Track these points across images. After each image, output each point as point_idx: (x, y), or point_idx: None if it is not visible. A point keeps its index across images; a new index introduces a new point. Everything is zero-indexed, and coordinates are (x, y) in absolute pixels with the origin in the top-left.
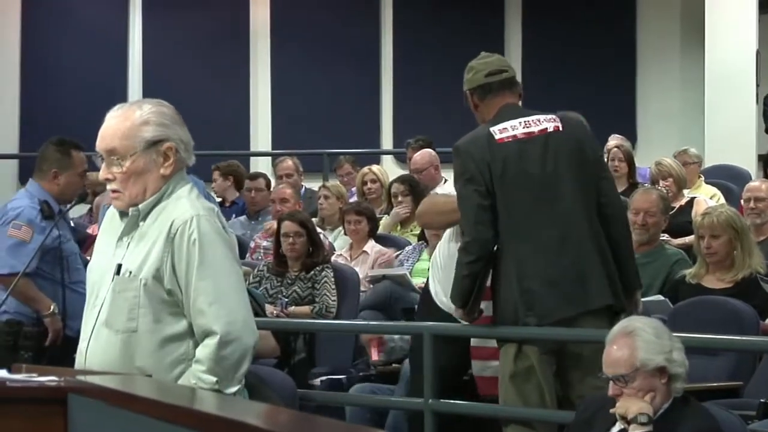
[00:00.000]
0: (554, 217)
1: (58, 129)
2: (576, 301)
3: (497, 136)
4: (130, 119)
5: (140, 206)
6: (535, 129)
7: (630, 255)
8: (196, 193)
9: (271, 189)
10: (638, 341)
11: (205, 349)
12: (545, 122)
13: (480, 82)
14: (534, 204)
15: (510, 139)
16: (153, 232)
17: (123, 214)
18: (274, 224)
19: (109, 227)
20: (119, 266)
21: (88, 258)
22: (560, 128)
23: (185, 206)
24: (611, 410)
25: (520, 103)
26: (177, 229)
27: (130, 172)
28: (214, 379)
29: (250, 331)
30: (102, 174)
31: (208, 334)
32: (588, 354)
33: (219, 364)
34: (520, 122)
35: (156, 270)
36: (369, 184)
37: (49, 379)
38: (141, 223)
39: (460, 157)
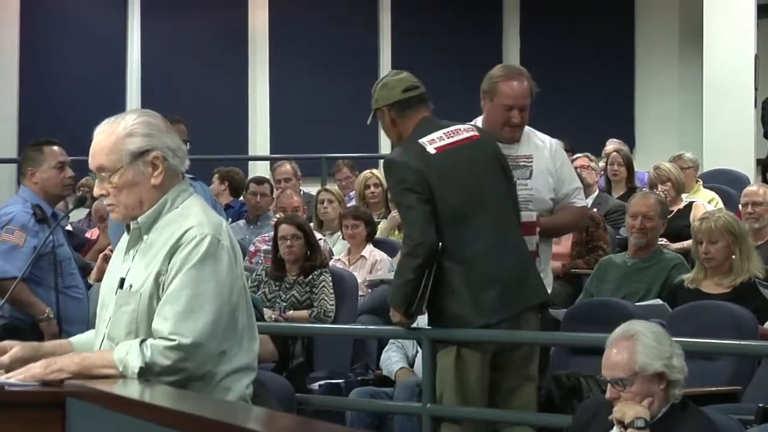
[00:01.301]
0: (491, 221)
1: (56, 133)
2: (518, 300)
3: (428, 148)
4: (114, 133)
5: (140, 219)
6: (458, 138)
7: None
8: (204, 206)
9: (274, 194)
10: (638, 345)
11: (155, 344)
12: (465, 132)
13: (398, 98)
14: (471, 209)
15: (440, 150)
16: (157, 246)
17: (129, 228)
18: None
19: (121, 243)
20: (122, 280)
21: (88, 262)
22: (479, 137)
23: (192, 223)
24: (609, 417)
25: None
26: (179, 246)
27: (121, 186)
28: (139, 368)
29: (200, 360)
30: (96, 191)
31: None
32: (524, 352)
33: (154, 361)
34: (444, 133)
35: (154, 284)
36: (372, 188)
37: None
38: (145, 237)
39: (396, 169)
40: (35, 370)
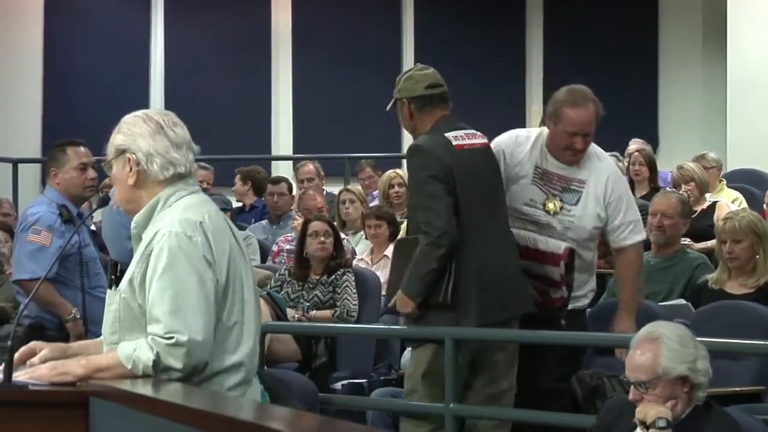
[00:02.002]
0: (499, 226)
1: (79, 134)
2: (511, 306)
3: (454, 143)
4: (117, 127)
5: (135, 218)
6: (476, 141)
7: None
8: (194, 203)
9: (293, 193)
10: (662, 348)
11: (157, 342)
12: (480, 137)
13: (420, 93)
14: (482, 212)
15: (460, 147)
16: (143, 245)
17: None
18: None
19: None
20: (113, 280)
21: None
22: (488, 143)
23: (166, 220)
24: (633, 420)
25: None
26: (152, 249)
27: (114, 179)
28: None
29: (202, 353)
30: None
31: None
32: (506, 356)
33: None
34: (464, 133)
35: (129, 285)
36: (396, 188)
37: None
38: (142, 236)
39: (422, 156)
40: (41, 371)
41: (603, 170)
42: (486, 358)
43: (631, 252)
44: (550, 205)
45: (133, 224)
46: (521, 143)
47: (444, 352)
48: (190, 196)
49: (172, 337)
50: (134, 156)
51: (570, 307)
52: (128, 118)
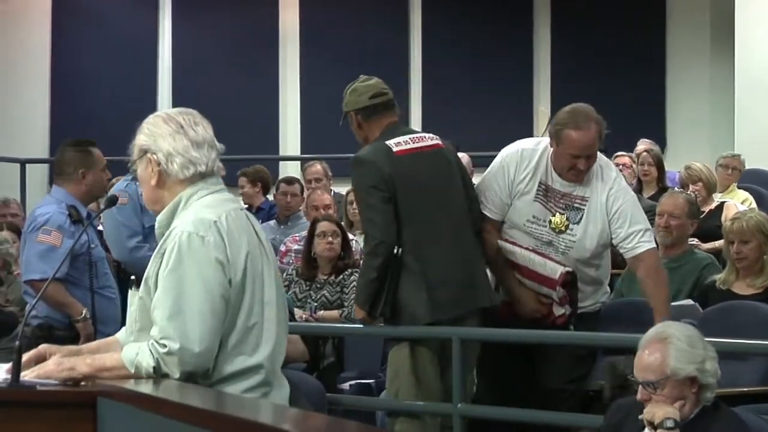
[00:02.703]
0: (448, 225)
1: (87, 134)
2: (468, 301)
3: (395, 149)
4: (140, 128)
5: (158, 219)
6: (423, 144)
7: None
8: (214, 202)
9: (304, 194)
10: (671, 349)
11: (154, 347)
12: (429, 140)
13: (365, 104)
14: (431, 213)
15: (405, 153)
16: (159, 245)
17: None
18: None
19: None
20: (133, 281)
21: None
22: (442, 145)
23: (182, 220)
24: (639, 417)
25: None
26: (165, 249)
27: (140, 179)
28: (153, 367)
29: (197, 360)
30: None
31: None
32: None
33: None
34: (410, 138)
35: (144, 285)
36: None
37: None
38: (165, 235)
39: (363, 167)
40: (48, 367)
41: (605, 186)
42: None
43: (648, 259)
44: (556, 220)
45: (156, 224)
46: (526, 158)
47: (422, 350)
48: (211, 195)
49: (165, 345)
50: (155, 156)
51: (581, 310)
52: (150, 119)
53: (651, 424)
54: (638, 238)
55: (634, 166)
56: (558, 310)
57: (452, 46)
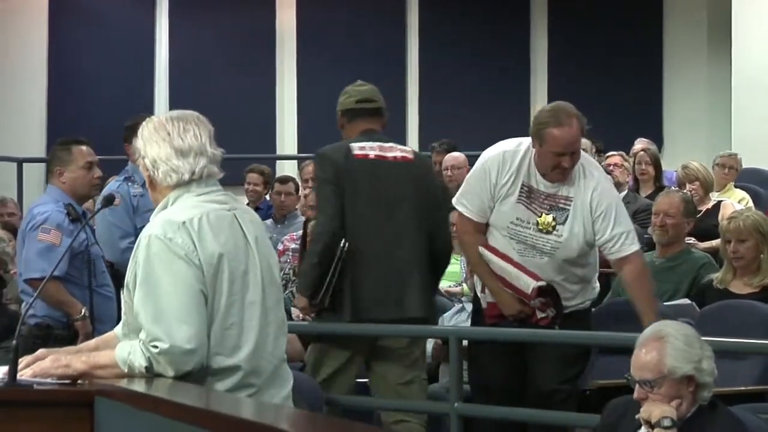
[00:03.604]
0: (390, 233)
1: (84, 133)
2: (394, 309)
3: (355, 152)
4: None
5: (151, 218)
6: (389, 154)
7: (440, 279)
8: (192, 203)
9: (300, 193)
10: (668, 347)
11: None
12: (399, 151)
13: (350, 106)
14: (376, 218)
15: (364, 157)
16: (134, 249)
17: None
18: None
19: None
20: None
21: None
22: (411, 159)
23: (151, 224)
24: (636, 416)
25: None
26: (139, 249)
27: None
28: (145, 367)
29: (189, 358)
30: None
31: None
32: (399, 353)
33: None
34: (377, 145)
35: (126, 286)
36: None
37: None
38: (138, 241)
39: (322, 162)
40: (44, 365)
41: (589, 185)
42: (385, 351)
43: (634, 261)
44: (543, 221)
45: None
46: (508, 160)
47: (336, 350)
48: (195, 198)
49: (156, 346)
50: (144, 161)
51: (571, 309)
52: (145, 123)
53: (648, 423)
54: (623, 240)
55: (626, 164)
56: (540, 314)
57: (450, 46)
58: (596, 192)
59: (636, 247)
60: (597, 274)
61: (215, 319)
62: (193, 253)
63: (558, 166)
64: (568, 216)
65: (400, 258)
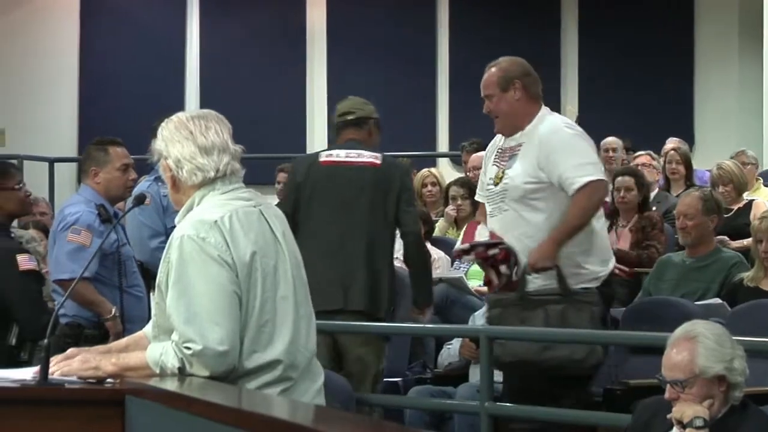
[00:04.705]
0: (340, 233)
1: (115, 132)
2: (334, 301)
3: (321, 159)
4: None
5: (176, 219)
6: (353, 159)
7: (420, 275)
8: (221, 202)
9: None
10: (699, 347)
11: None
12: (366, 157)
13: (335, 121)
14: (329, 218)
15: (329, 164)
16: (166, 249)
17: None
18: None
19: None
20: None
21: None
22: (378, 164)
23: (183, 224)
24: (668, 416)
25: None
26: (171, 249)
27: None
28: (178, 368)
29: (222, 359)
30: None
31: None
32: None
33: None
34: (345, 152)
35: (158, 287)
36: (429, 187)
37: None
38: (170, 242)
39: (290, 168)
40: (74, 366)
41: (538, 129)
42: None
43: (577, 194)
44: (493, 172)
45: (176, 225)
46: (495, 139)
47: None
48: (221, 196)
49: (189, 348)
50: (167, 162)
51: (539, 289)
52: (165, 123)
53: (680, 423)
54: (574, 174)
55: (654, 164)
56: (503, 269)
57: (480, 45)
58: (543, 135)
59: (589, 178)
60: (593, 260)
61: (251, 317)
62: (226, 252)
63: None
64: (516, 160)
65: (349, 254)
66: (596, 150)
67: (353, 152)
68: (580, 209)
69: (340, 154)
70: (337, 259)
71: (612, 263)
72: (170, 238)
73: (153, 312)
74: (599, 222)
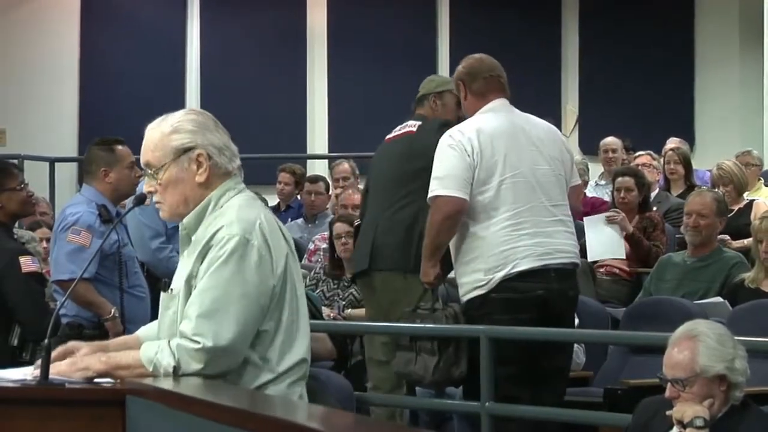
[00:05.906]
0: (375, 203)
1: (116, 131)
2: (371, 260)
3: (387, 137)
4: (160, 130)
5: (185, 220)
6: (398, 132)
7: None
8: (243, 204)
9: (330, 192)
10: (701, 346)
11: (180, 345)
12: (408, 128)
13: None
14: (380, 194)
15: (388, 141)
16: (197, 246)
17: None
18: None
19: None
20: (166, 283)
21: None
22: (413, 132)
23: (222, 223)
24: (668, 412)
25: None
26: (209, 248)
27: (166, 183)
28: (173, 367)
29: (225, 362)
30: (145, 188)
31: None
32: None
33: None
34: (400, 126)
35: (186, 286)
36: None
37: (107, 382)
38: (192, 238)
39: None
40: (62, 367)
41: None
42: None
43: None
44: None
45: (181, 226)
46: None
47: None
48: (239, 196)
49: (198, 342)
50: (205, 151)
51: (468, 296)
52: (177, 118)
53: (680, 422)
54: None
55: (655, 164)
56: None
57: (480, 45)
58: None
59: (432, 194)
60: (477, 267)
61: (284, 315)
62: (268, 253)
63: None
64: None
65: (374, 222)
66: (476, 161)
67: (403, 125)
68: (429, 225)
69: (397, 130)
70: (368, 228)
71: (516, 267)
72: (204, 234)
73: (172, 312)
74: (488, 230)
